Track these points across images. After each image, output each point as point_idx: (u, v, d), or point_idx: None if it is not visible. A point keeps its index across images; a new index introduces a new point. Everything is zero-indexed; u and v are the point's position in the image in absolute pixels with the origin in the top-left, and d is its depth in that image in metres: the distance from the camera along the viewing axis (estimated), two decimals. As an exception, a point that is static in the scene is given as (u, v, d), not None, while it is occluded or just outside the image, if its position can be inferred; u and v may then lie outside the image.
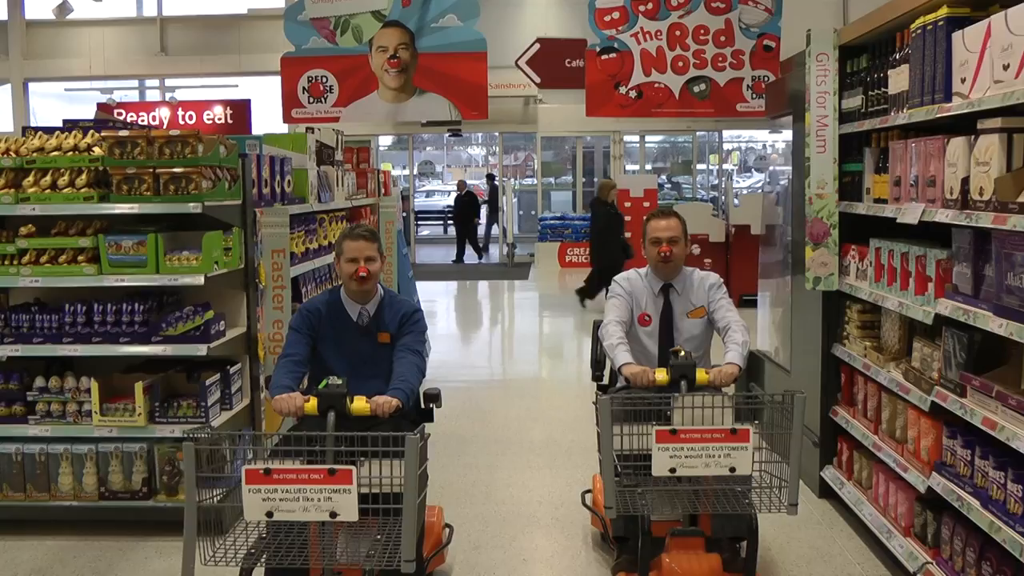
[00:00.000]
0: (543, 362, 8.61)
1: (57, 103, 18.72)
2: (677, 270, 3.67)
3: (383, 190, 7.71)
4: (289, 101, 6.87)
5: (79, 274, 4.01)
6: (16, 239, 4.06)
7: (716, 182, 20.67)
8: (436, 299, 12.77)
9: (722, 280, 3.71)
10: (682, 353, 3.18)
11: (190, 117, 15.01)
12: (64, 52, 17.81)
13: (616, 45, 8.05)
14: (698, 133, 19.20)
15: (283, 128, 17.76)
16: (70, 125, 4.80)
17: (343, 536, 2.72)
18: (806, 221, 4.09)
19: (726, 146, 23.00)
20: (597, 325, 3.75)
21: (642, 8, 8.02)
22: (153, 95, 18.71)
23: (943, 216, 3.05)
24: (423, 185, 26.70)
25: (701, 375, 3.15)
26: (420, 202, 23.21)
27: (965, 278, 2.98)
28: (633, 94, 8.15)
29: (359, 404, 2.95)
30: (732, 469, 2.80)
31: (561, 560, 3.81)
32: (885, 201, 3.65)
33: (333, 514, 2.53)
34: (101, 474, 4.08)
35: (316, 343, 3.41)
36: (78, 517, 4.10)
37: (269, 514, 2.55)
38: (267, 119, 17.12)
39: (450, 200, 20.15)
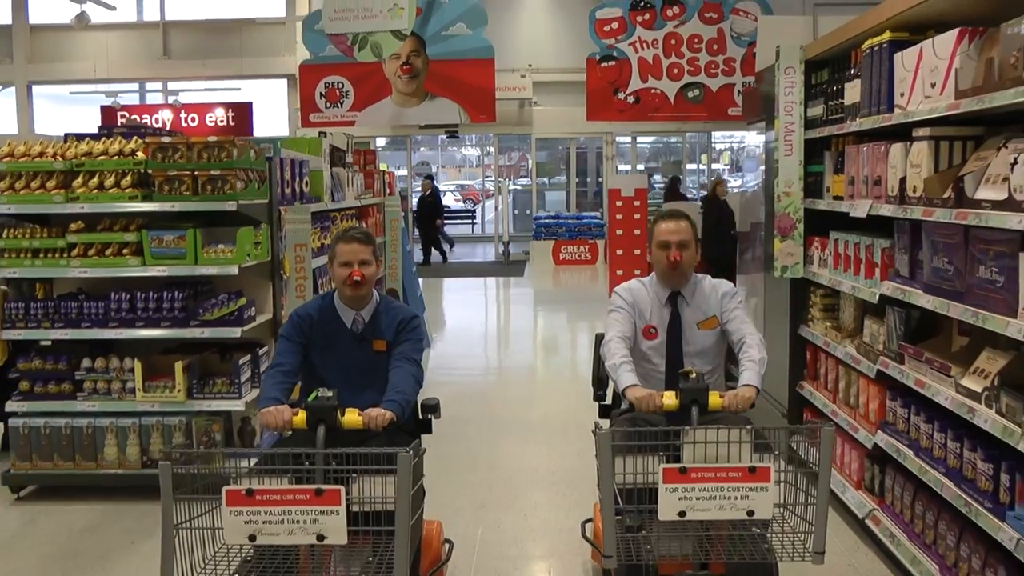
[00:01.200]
0: (538, 353, 9.03)
1: (55, 105, 19.06)
2: (686, 278, 3.33)
3: (388, 190, 8.19)
4: (307, 106, 7.32)
5: (124, 265, 4.47)
6: (66, 234, 4.52)
7: (706, 181, 21.16)
8: (434, 295, 13.23)
9: (736, 289, 3.40)
10: (693, 375, 2.82)
11: (192, 120, 15.34)
12: (68, 56, 18.19)
13: (615, 53, 8.57)
14: (688, 134, 19.69)
15: (284, 130, 18.07)
16: (106, 132, 5.29)
17: (335, 556, 2.56)
18: (775, 216, 4.57)
19: (719, 146, 23.54)
20: (600, 339, 3.41)
21: (640, 19, 8.55)
22: (156, 98, 19.09)
23: (886, 210, 3.53)
24: (418, 185, 27.09)
25: (714, 399, 2.80)
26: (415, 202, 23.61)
27: (904, 263, 3.46)
28: (631, 99, 8.66)
29: (351, 417, 2.76)
30: (750, 512, 2.45)
31: (557, 514, 4.27)
32: (842, 198, 4.14)
33: (320, 537, 2.36)
34: (143, 445, 4.54)
35: (308, 351, 3.23)
36: (122, 484, 4.56)
37: (252, 537, 2.38)
38: (268, 121, 17.48)
39: (445, 200, 19.83)
